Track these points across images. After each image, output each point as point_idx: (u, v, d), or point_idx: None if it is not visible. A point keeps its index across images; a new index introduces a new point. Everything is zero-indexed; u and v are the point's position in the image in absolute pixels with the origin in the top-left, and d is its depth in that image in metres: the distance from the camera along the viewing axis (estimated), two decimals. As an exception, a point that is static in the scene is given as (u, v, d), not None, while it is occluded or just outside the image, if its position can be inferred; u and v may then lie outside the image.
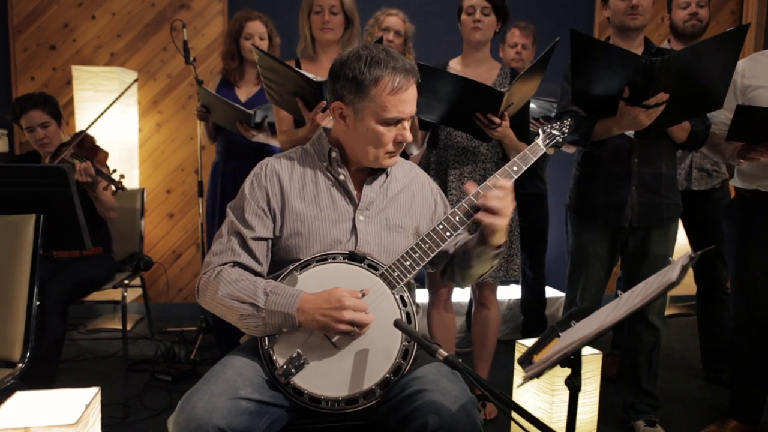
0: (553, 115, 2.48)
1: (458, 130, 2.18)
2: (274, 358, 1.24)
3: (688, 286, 2.86)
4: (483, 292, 2.30)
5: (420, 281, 3.30)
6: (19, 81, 3.49)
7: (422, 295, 2.49)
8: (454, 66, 2.23)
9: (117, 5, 3.52)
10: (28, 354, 1.62)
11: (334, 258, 1.29)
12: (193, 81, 2.84)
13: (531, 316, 3.19)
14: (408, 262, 1.29)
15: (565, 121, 1.49)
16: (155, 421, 2.26)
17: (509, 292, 3.44)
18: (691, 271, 2.76)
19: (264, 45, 2.71)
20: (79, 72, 3.29)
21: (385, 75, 1.24)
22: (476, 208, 1.34)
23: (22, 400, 1.09)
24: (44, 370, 2.24)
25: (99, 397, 1.13)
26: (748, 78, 2.01)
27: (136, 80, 3.20)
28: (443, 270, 1.46)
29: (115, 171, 2.54)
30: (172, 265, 3.67)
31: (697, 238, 2.66)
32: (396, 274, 1.28)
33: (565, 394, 1.06)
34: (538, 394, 1.50)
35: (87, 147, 2.59)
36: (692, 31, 2.47)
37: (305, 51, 2.19)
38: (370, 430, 1.31)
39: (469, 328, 3.20)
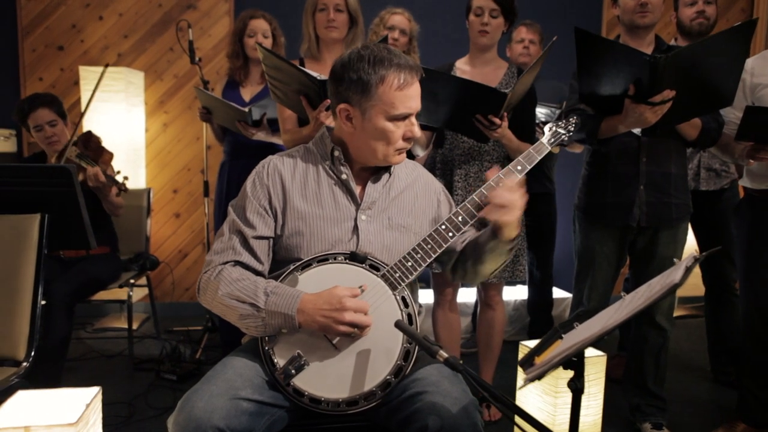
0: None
1: (455, 132, 2.17)
2: (275, 358, 1.23)
3: (697, 287, 2.83)
4: (489, 292, 2.29)
5: (425, 282, 3.33)
6: (27, 82, 3.52)
7: (427, 296, 2.48)
8: (461, 66, 2.21)
9: (124, 6, 3.54)
10: (32, 353, 1.62)
11: (335, 258, 1.29)
12: (199, 81, 2.85)
13: (538, 316, 3.17)
14: (410, 263, 1.28)
15: (570, 119, 1.48)
16: (160, 420, 2.27)
17: (515, 293, 3.42)
18: (699, 272, 2.73)
19: (267, 43, 2.71)
20: (86, 72, 3.31)
21: (390, 72, 1.24)
22: (479, 207, 1.32)
23: (23, 399, 1.09)
24: (50, 369, 2.26)
25: (100, 397, 1.13)
26: (757, 76, 1.99)
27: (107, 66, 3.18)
28: (453, 268, 1.44)
29: (119, 172, 2.55)
30: (178, 264, 3.69)
31: (705, 238, 2.64)
32: (398, 275, 1.27)
33: (568, 396, 1.05)
34: (541, 396, 1.49)
35: (93, 147, 2.61)
36: (699, 30, 2.43)
37: (309, 50, 2.18)
38: (370, 432, 1.30)
39: (474, 329, 3.18)
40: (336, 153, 1.35)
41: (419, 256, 1.29)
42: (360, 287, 1.23)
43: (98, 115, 3.28)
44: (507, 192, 1.26)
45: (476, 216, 1.33)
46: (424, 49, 2.77)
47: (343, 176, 1.35)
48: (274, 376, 1.23)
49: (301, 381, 1.22)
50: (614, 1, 2.01)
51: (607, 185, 2.04)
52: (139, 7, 3.55)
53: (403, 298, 1.27)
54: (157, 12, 3.57)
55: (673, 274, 0.85)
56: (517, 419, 0.92)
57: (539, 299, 3.13)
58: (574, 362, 1.02)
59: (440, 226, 1.31)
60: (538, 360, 0.98)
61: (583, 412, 1.46)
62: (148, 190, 3.12)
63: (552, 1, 3.65)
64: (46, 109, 2.52)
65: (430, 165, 2.26)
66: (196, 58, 2.79)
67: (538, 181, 2.84)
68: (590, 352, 1.50)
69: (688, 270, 0.86)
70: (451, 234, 1.31)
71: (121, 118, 3.33)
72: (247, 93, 2.74)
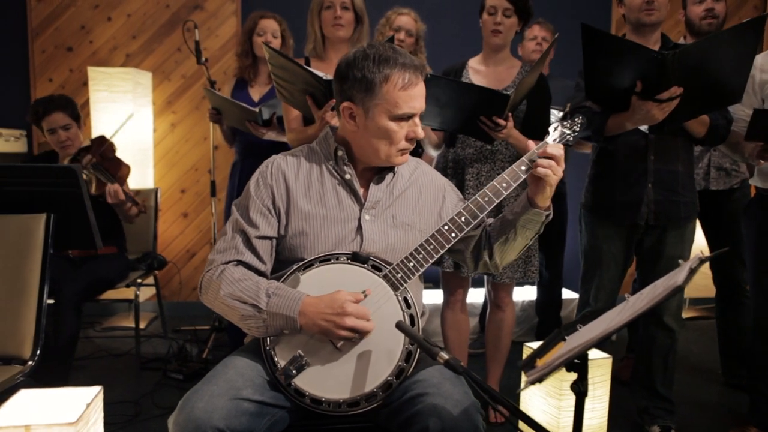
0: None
1: (461, 134, 2.16)
2: (276, 358, 1.23)
3: (708, 288, 2.80)
4: (499, 293, 2.27)
5: (434, 282, 3.31)
6: (37, 82, 3.56)
7: (437, 296, 2.47)
8: (474, 65, 2.20)
9: (132, 7, 3.56)
10: (38, 352, 1.63)
11: (337, 258, 1.28)
12: (206, 81, 2.86)
13: (546, 317, 3.14)
14: (412, 264, 1.27)
15: (576, 119, 1.46)
16: (166, 419, 2.27)
17: (524, 294, 3.40)
18: (710, 274, 2.70)
19: (276, 43, 2.72)
20: (94, 73, 3.33)
21: (394, 72, 1.24)
22: (483, 207, 1.31)
23: (25, 397, 1.10)
24: (58, 368, 2.27)
25: (101, 396, 1.13)
26: (766, 72, 1.95)
27: (130, 117, 3.13)
28: (475, 256, 1.43)
29: (138, 193, 2.57)
30: (186, 264, 3.70)
31: (715, 238, 2.60)
32: (399, 275, 1.26)
33: (572, 398, 1.03)
34: (545, 399, 1.47)
35: (108, 157, 2.61)
36: (708, 29, 2.39)
37: (315, 50, 2.18)
38: (371, 433, 1.29)
39: (482, 329, 3.16)
40: (339, 153, 1.35)
41: (421, 256, 1.28)
42: (364, 292, 1.22)
43: (107, 115, 3.30)
44: (555, 148, 1.30)
45: (480, 216, 1.32)
46: (432, 50, 2.75)
47: (347, 176, 1.34)
48: (275, 376, 1.22)
49: (302, 381, 1.21)
50: (619, 0, 1.99)
51: (615, 183, 2.02)
52: (147, 8, 3.57)
53: (405, 299, 1.26)
54: (164, 13, 3.59)
55: (676, 276, 0.83)
56: (520, 422, 0.90)
57: (548, 300, 3.10)
58: (578, 365, 1.00)
59: (443, 226, 1.30)
60: (540, 362, 0.97)
61: (588, 414, 1.44)
62: (155, 190, 3.14)
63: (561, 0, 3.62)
64: (60, 113, 2.53)
65: (442, 164, 2.25)
66: (203, 59, 2.80)
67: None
68: (595, 354, 1.48)
69: (693, 272, 0.84)
70: (453, 234, 1.30)
71: (130, 119, 3.34)
72: (256, 92, 2.75)
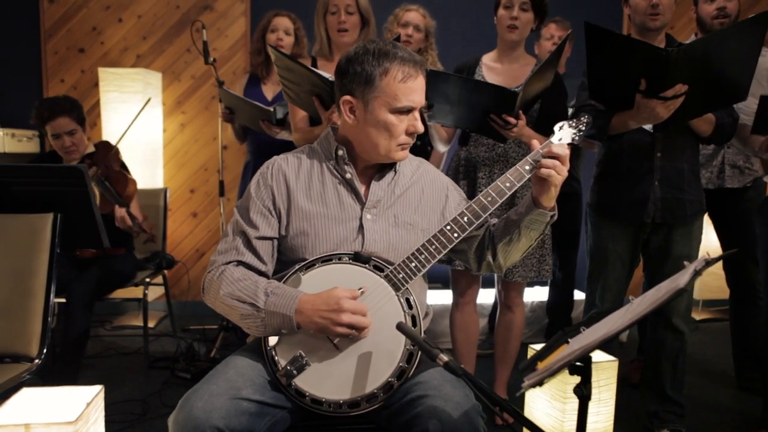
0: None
1: (473, 132, 2.14)
2: (276, 358, 1.23)
3: (722, 289, 2.75)
4: (509, 293, 2.25)
5: (443, 282, 3.29)
6: (49, 83, 3.60)
7: (446, 296, 2.45)
8: (487, 62, 2.18)
9: (143, 8, 3.59)
10: (44, 350, 1.65)
11: (339, 259, 1.27)
12: (216, 82, 2.87)
13: (557, 318, 3.11)
14: (414, 264, 1.26)
15: (581, 118, 1.44)
16: (172, 418, 2.29)
17: (533, 294, 3.37)
18: (723, 275, 2.65)
19: (288, 41, 2.73)
20: (105, 74, 3.36)
21: (394, 65, 1.25)
22: (486, 208, 1.30)
23: (27, 396, 1.10)
24: (68, 366, 2.30)
25: (102, 396, 1.14)
26: None
27: (148, 101, 3.17)
28: (478, 256, 1.42)
29: (146, 219, 2.56)
30: (195, 263, 3.72)
31: (728, 238, 2.55)
32: (401, 275, 1.25)
33: (576, 401, 1.01)
34: (549, 402, 1.45)
35: (114, 171, 2.57)
36: (720, 29, 2.35)
37: (321, 51, 2.18)
38: (372, 434, 1.28)
39: (491, 330, 3.14)
40: (340, 152, 1.34)
41: (423, 257, 1.27)
42: (360, 289, 1.22)
43: (117, 115, 3.33)
44: (559, 147, 1.28)
45: (482, 216, 1.30)
46: (442, 47, 2.73)
47: (348, 175, 1.34)
48: (276, 376, 1.22)
49: (302, 382, 1.21)
50: (625, 1, 1.96)
51: (621, 182, 2.00)
52: (157, 9, 3.60)
53: (407, 300, 1.25)
54: (175, 14, 3.61)
55: (679, 279, 0.81)
56: (513, 421, 0.89)
57: (560, 301, 3.07)
58: (581, 368, 0.99)
59: (445, 226, 1.29)
60: (541, 365, 0.95)
61: (593, 418, 1.42)
62: (165, 190, 3.16)
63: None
64: (66, 117, 2.47)
65: (455, 164, 2.24)
66: (211, 59, 2.81)
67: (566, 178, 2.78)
68: (601, 357, 1.46)
69: (697, 273, 0.82)
70: (456, 234, 1.28)
71: (140, 119, 3.37)
72: (269, 90, 2.76)
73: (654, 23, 1.88)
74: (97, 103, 3.46)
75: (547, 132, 1.93)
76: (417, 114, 1.30)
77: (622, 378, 2.05)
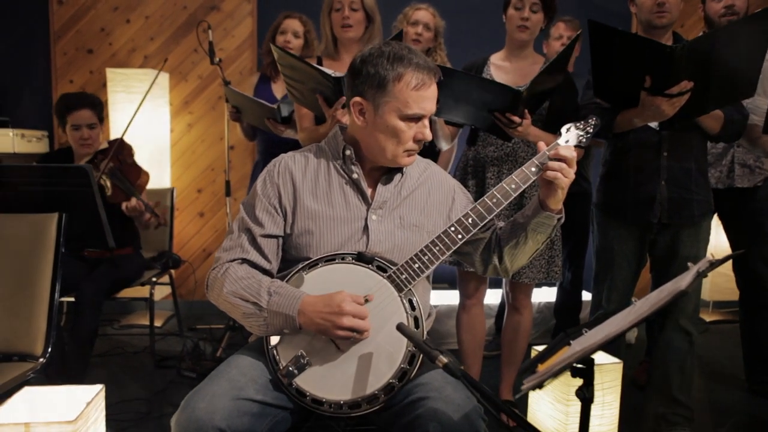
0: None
1: (482, 130, 2.13)
2: (278, 358, 1.23)
3: (733, 290, 2.71)
4: (517, 295, 2.23)
5: (450, 282, 3.27)
6: (59, 84, 3.62)
7: (453, 297, 2.43)
8: (496, 62, 2.17)
9: (150, 8, 3.61)
10: (49, 349, 1.66)
11: (342, 258, 1.27)
12: (222, 81, 2.88)
13: (564, 319, 3.08)
14: (417, 265, 1.25)
15: (589, 121, 1.42)
16: (178, 417, 2.29)
17: (541, 295, 3.34)
18: (733, 276, 2.61)
19: (297, 44, 2.73)
20: (112, 74, 3.38)
21: (408, 71, 1.24)
22: (491, 209, 1.29)
23: (28, 395, 1.11)
24: (76, 365, 2.31)
25: (103, 395, 1.14)
26: None
27: (158, 74, 3.17)
28: (484, 259, 1.40)
29: (158, 204, 2.58)
30: (201, 263, 3.74)
31: (738, 239, 2.52)
32: (404, 276, 1.24)
33: (579, 404, 1.00)
34: (552, 404, 1.44)
35: (127, 163, 2.61)
36: (726, 25, 2.32)
37: (327, 50, 2.18)
38: (373, 436, 1.28)
39: (497, 331, 3.12)
40: (347, 152, 1.34)
41: (427, 258, 1.26)
42: (365, 297, 1.21)
43: (125, 115, 3.35)
44: (566, 149, 1.27)
45: (487, 218, 1.29)
46: (450, 48, 2.72)
47: (354, 175, 1.34)
48: (277, 375, 1.22)
49: (303, 381, 1.21)
50: None
51: (627, 182, 1.97)
52: (164, 10, 3.61)
53: (410, 301, 1.24)
54: (182, 14, 3.63)
55: (682, 281, 0.80)
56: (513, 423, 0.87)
57: (567, 302, 3.04)
58: (583, 370, 0.97)
59: (449, 227, 1.28)
60: (541, 367, 0.94)
61: (597, 421, 1.40)
62: (171, 190, 3.17)
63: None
64: (89, 111, 2.55)
65: (463, 163, 2.22)
66: (216, 59, 2.81)
67: (573, 180, 2.76)
68: (605, 359, 1.44)
69: (700, 275, 0.81)
70: (460, 236, 1.28)
71: (147, 119, 3.39)
72: (279, 90, 2.76)
73: (660, 21, 1.85)
74: (105, 104, 3.48)
75: (556, 132, 1.92)
76: (426, 122, 1.29)
77: (630, 380, 2.03)
